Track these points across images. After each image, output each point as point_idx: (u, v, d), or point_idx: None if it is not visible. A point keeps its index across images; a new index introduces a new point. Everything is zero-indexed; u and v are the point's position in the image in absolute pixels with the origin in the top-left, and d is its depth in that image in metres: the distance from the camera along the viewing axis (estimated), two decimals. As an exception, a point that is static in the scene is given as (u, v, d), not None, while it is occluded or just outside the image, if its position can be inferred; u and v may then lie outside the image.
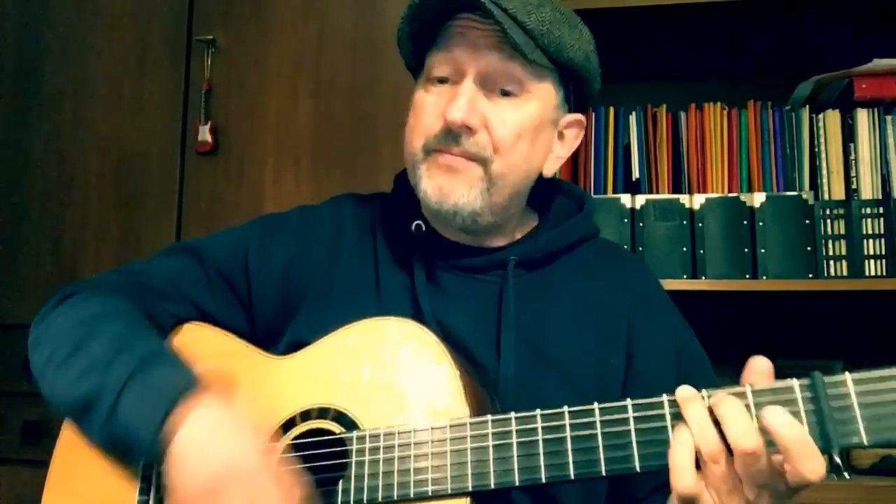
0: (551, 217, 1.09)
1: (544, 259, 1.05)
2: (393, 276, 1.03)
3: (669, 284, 1.56)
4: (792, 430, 0.69)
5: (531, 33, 0.94)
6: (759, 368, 0.75)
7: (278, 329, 1.03)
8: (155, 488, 0.92)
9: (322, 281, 1.04)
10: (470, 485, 0.80)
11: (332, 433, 0.87)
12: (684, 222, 1.62)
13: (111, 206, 1.83)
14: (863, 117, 1.62)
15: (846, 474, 0.70)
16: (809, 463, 0.68)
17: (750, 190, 1.65)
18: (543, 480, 0.78)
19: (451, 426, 0.82)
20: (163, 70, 1.85)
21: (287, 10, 1.82)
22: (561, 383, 0.97)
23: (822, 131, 1.64)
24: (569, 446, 0.78)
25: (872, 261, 1.58)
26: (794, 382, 0.73)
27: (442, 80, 0.99)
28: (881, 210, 1.58)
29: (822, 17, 1.67)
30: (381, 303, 1.01)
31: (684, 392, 0.75)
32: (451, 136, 0.96)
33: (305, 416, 0.90)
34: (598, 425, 0.78)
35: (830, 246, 1.59)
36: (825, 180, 1.63)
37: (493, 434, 0.81)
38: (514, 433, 0.80)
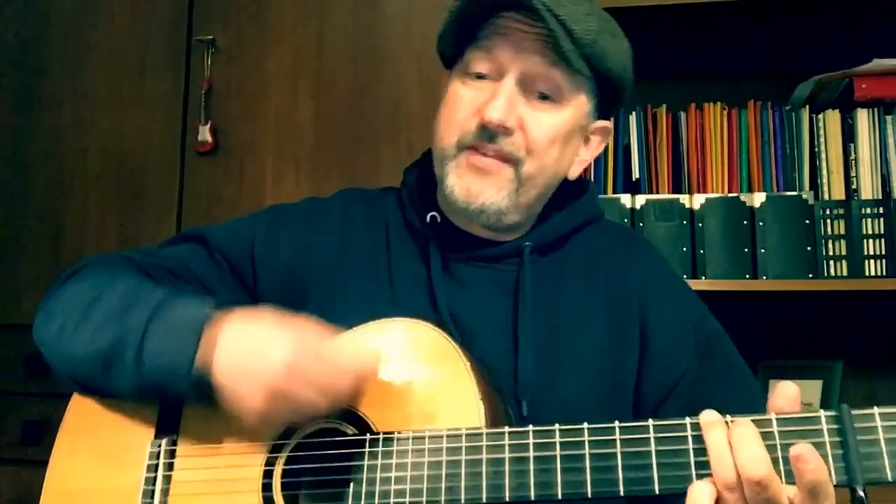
0: (557, 200, 1.08)
1: (556, 242, 1.05)
2: (406, 267, 1.03)
3: (669, 284, 1.57)
4: (818, 474, 0.67)
5: (578, 41, 0.94)
6: (785, 393, 0.74)
7: None
8: (163, 478, 0.91)
9: (330, 272, 1.03)
10: (485, 496, 0.78)
11: (345, 434, 0.86)
12: (684, 222, 1.62)
13: (111, 206, 1.83)
14: (863, 117, 1.62)
15: None
16: (826, 503, 0.68)
17: (750, 190, 1.65)
18: (560, 496, 0.76)
19: (466, 435, 0.80)
20: (163, 70, 1.85)
21: (287, 10, 1.82)
22: (576, 368, 0.97)
23: (822, 131, 1.64)
24: (587, 464, 0.76)
25: (872, 261, 1.58)
26: (821, 413, 0.71)
27: (480, 76, 0.99)
28: (881, 210, 1.58)
29: (822, 17, 1.67)
30: (394, 294, 1.01)
31: (707, 416, 0.74)
32: (487, 134, 0.95)
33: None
34: (619, 444, 0.76)
35: (830, 246, 1.59)
36: (825, 180, 1.63)
37: (510, 446, 0.79)
38: (531, 446, 0.78)
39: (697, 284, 1.59)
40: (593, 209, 1.09)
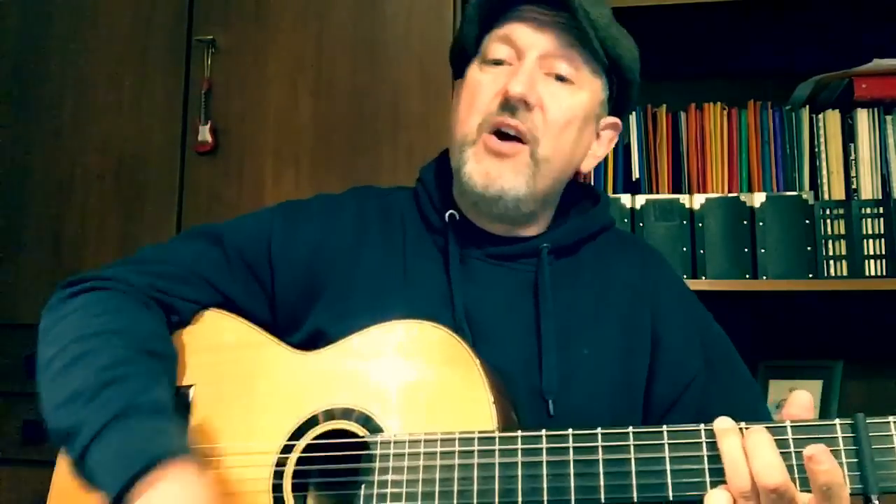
0: (571, 207, 1.11)
1: (572, 246, 1.06)
2: (421, 265, 1.03)
3: (669, 284, 1.57)
4: (832, 475, 0.67)
5: (594, 24, 0.97)
6: (799, 401, 0.74)
7: (299, 316, 1.02)
8: None
9: (345, 269, 1.03)
10: (497, 500, 0.77)
11: (356, 435, 0.86)
12: (684, 222, 1.62)
13: (111, 206, 1.83)
14: (863, 117, 1.62)
15: None
16: None
17: (750, 190, 1.65)
18: (573, 502, 0.76)
19: (478, 438, 0.80)
20: (163, 70, 1.85)
21: (287, 10, 1.82)
22: (591, 368, 0.97)
23: (822, 131, 1.64)
24: (601, 469, 0.76)
25: (872, 261, 1.58)
26: (836, 422, 0.71)
27: (497, 63, 1.01)
28: (881, 210, 1.58)
29: (822, 17, 1.67)
30: (409, 292, 1.00)
31: (722, 424, 0.74)
32: (509, 107, 0.97)
33: (329, 415, 0.88)
34: (632, 450, 0.76)
35: (830, 246, 1.59)
36: (825, 180, 1.63)
37: (523, 450, 0.78)
38: (544, 451, 0.78)
39: (697, 284, 1.59)
40: (606, 218, 1.11)
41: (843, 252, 1.58)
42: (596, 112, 1.04)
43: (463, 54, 1.07)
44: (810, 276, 1.58)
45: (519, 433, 0.79)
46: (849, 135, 1.63)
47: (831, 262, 1.59)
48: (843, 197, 1.61)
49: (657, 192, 1.68)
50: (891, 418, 0.70)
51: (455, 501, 0.78)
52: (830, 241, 1.59)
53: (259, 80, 1.81)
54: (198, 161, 1.81)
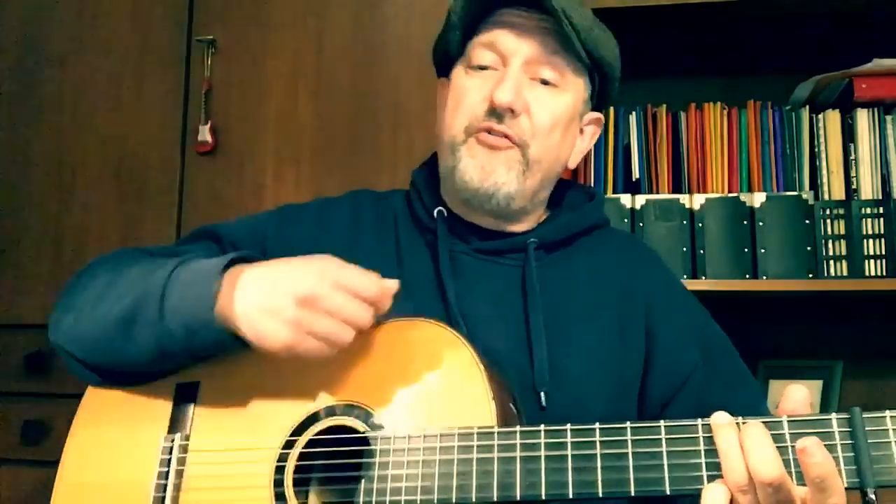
0: (566, 203, 1.13)
1: (562, 242, 1.07)
2: (414, 262, 1.05)
3: (669, 284, 1.57)
4: (825, 468, 0.68)
5: (576, 28, 0.99)
6: (796, 397, 0.74)
7: None
8: (176, 473, 0.91)
9: None
10: (495, 495, 0.78)
11: (357, 431, 0.87)
12: (684, 222, 1.62)
13: (111, 206, 1.83)
14: (863, 117, 1.62)
15: None
16: (832, 498, 0.68)
17: (750, 190, 1.65)
18: (570, 496, 0.76)
19: (478, 433, 0.81)
20: (163, 70, 1.85)
21: (287, 10, 1.82)
22: (584, 362, 0.98)
23: (822, 131, 1.64)
24: (598, 463, 0.76)
25: (872, 261, 1.58)
26: (833, 416, 0.72)
27: (482, 68, 1.03)
28: (881, 210, 1.58)
29: (822, 17, 1.67)
30: (405, 293, 0.99)
31: (718, 418, 0.74)
32: (495, 114, 0.99)
33: (330, 411, 0.89)
34: (630, 444, 0.76)
35: (830, 246, 1.59)
36: (825, 180, 1.63)
37: (522, 445, 0.79)
38: (542, 446, 0.78)
39: (697, 284, 1.59)
40: (601, 215, 1.13)
41: (843, 252, 1.58)
42: (580, 110, 1.07)
43: (446, 56, 1.09)
44: (810, 276, 1.58)
45: (518, 428, 0.80)
46: (849, 135, 1.63)
47: (831, 262, 1.59)
48: (843, 197, 1.61)
49: (657, 192, 1.68)
50: (887, 413, 0.70)
51: (454, 496, 0.79)
52: (830, 241, 1.59)
53: (259, 80, 1.81)
54: (198, 161, 1.81)
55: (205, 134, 1.79)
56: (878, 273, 1.57)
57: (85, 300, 0.95)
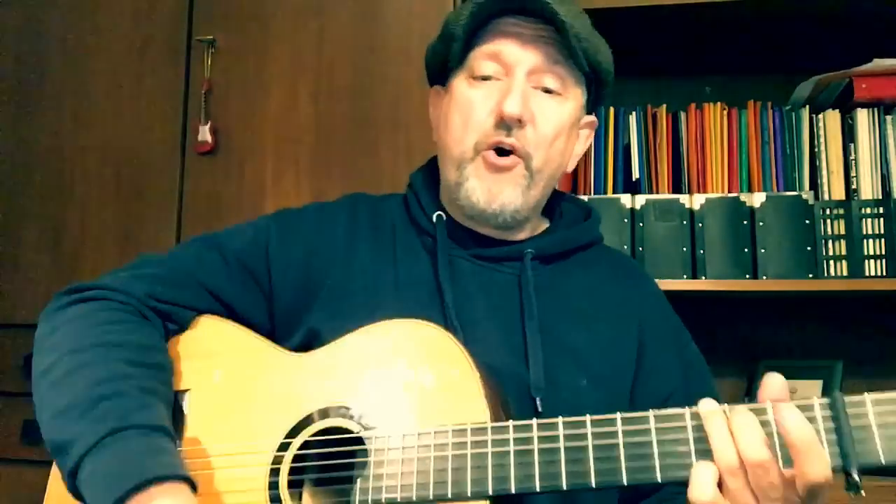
0: (565, 219, 1.14)
1: (559, 255, 1.08)
2: (411, 266, 1.05)
3: (669, 284, 1.57)
4: (802, 431, 0.69)
5: (578, 37, 1.00)
6: (773, 384, 0.76)
7: (295, 320, 1.03)
8: None
9: (339, 273, 1.04)
10: (490, 489, 0.79)
11: (351, 432, 0.87)
12: (684, 222, 1.62)
13: (111, 206, 1.83)
14: (863, 117, 1.62)
15: (863, 493, 0.70)
16: (817, 465, 0.69)
17: (750, 190, 1.65)
18: (564, 487, 0.77)
19: (471, 430, 0.81)
20: (163, 70, 1.85)
21: (287, 10, 1.82)
22: (580, 370, 0.99)
23: (822, 131, 1.64)
24: (590, 455, 0.77)
25: (872, 261, 1.58)
26: (815, 401, 0.73)
27: (485, 78, 1.03)
28: (881, 210, 1.58)
29: (822, 18, 1.67)
30: (399, 293, 1.02)
31: (708, 406, 0.75)
32: (503, 126, 1.00)
33: (324, 413, 0.89)
34: (621, 435, 0.77)
35: (830, 246, 1.59)
36: (825, 180, 1.63)
37: (515, 440, 0.80)
38: (535, 440, 0.79)
39: (697, 284, 1.59)
40: (597, 233, 1.14)
41: (843, 252, 1.58)
42: (578, 116, 1.08)
43: (442, 65, 1.09)
44: (810, 276, 1.58)
45: (510, 423, 0.81)
46: (849, 135, 1.63)
47: (831, 262, 1.59)
48: (843, 197, 1.61)
49: (657, 192, 1.68)
50: (867, 396, 0.72)
51: (449, 492, 0.80)
52: (830, 241, 1.59)
53: (259, 81, 1.81)
54: (198, 161, 1.81)
55: (205, 134, 1.79)
56: (878, 273, 1.57)
57: (54, 364, 0.90)
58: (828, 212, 1.60)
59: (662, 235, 1.62)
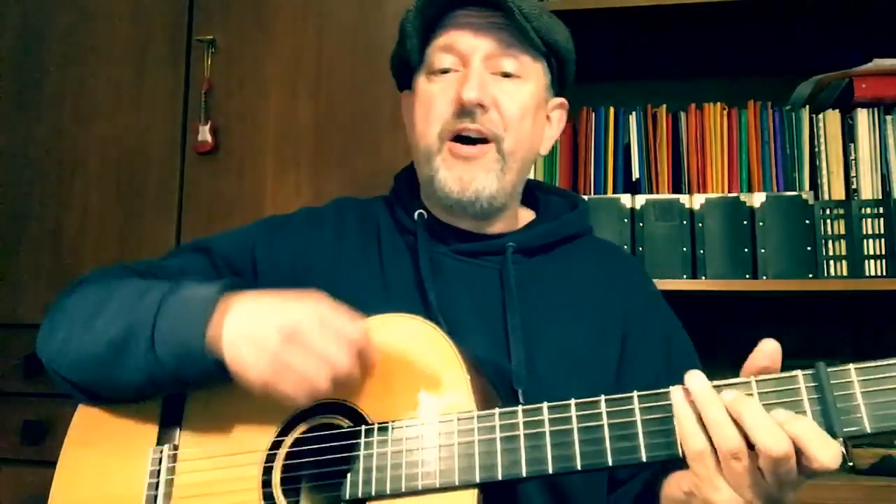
0: (549, 212, 1.15)
1: (542, 248, 1.09)
2: (396, 265, 1.06)
3: (669, 284, 1.57)
4: (778, 445, 0.69)
5: (528, 17, 1.02)
6: (766, 350, 0.77)
7: None
8: (166, 482, 0.92)
9: (327, 275, 1.06)
10: (478, 476, 0.80)
11: (342, 427, 0.88)
12: (684, 222, 1.62)
13: (111, 206, 1.83)
14: (863, 117, 1.62)
15: (850, 463, 0.71)
16: (825, 451, 0.69)
17: (750, 190, 1.65)
18: (551, 472, 0.79)
19: (458, 419, 0.83)
20: (163, 70, 1.85)
21: (287, 10, 1.82)
22: (563, 364, 0.99)
23: (822, 131, 1.64)
24: (576, 438, 0.79)
25: (872, 261, 1.58)
26: (798, 373, 0.75)
27: (444, 71, 1.05)
28: (881, 210, 1.58)
29: (822, 17, 1.67)
30: (386, 293, 1.04)
31: (698, 387, 0.75)
32: (466, 113, 1.01)
33: (314, 410, 0.90)
34: (605, 417, 0.78)
35: (830, 246, 1.59)
36: (825, 180, 1.63)
37: (501, 427, 0.81)
38: (521, 425, 0.81)
39: (697, 284, 1.59)
40: (583, 224, 1.15)
41: (843, 252, 1.58)
42: (543, 97, 1.10)
43: (405, 67, 1.12)
44: (810, 276, 1.58)
45: (496, 410, 0.82)
46: (849, 135, 1.63)
47: (831, 262, 1.59)
48: (843, 197, 1.61)
49: (657, 192, 1.68)
50: (851, 365, 0.73)
51: (437, 480, 0.81)
52: (830, 241, 1.59)
53: (259, 80, 1.81)
54: (198, 161, 1.81)
55: (205, 134, 1.79)
56: (878, 273, 1.57)
57: (74, 320, 0.95)
58: (828, 212, 1.60)
59: (662, 235, 1.62)
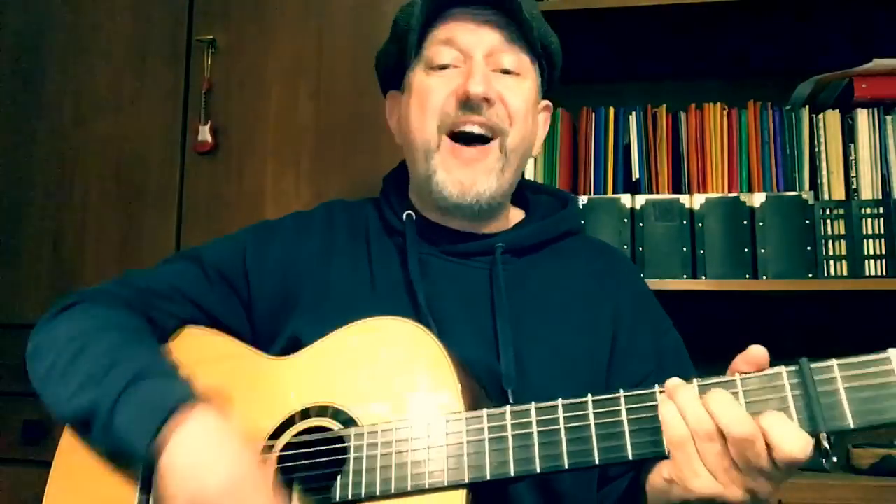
0: (538, 211, 1.15)
1: (532, 247, 1.09)
2: (385, 267, 1.06)
3: (669, 284, 1.57)
4: (742, 426, 0.71)
5: (531, 16, 1.03)
6: (752, 359, 0.77)
7: (276, 327, 1.05)
8: (155, 489, 0.92)
9: (317, 279, 1.06)
10: (466, 477, 0.81)
11: (331, 430, 0.88)
12: (684, 222, 1.62)
13: (111, 206, 1.83)
14: (863, 117, 1.62)
15: (834, 458, 0.72)
16: (791, 438, 0.70)
17: (750, 190, 1.65)
18: (538, 471, 0.79)
19: (447, 421, 0.83)
20: (163, 70, 1.85)
21: (287, 10, 1.82)
22: (553, 364, 0.99)
23: (822, 131, 1.64)
24: (563, 437, 0.79)
25: (872, 261, 1.58)
26: (783, 369, 0.75)
27: (443, 67, 1.05)
28: (881, 210, 1.58)
29: (822, 17, 1.67)
30: (377, 297, 1.03)
31: (674, 382, 0.76)
32: (470, 107, 1.01)
33: (305, 414, 0.90)
34: (592, 416, 0.79)
35: (830, 246, 1.59)
36: (825, 180, 1.63)
37: (489, 428, 0.82)
38: (509, 426, 0.81)
39: (697, 284, 1.59)
40: (574, 222, 1.15)
41: (843, 252, 1.59)
42: (537, 97, 1.11)
43: (394, 68, 1.12)
44: (810, 276, 1.58)
45: (484, 411, 0.83)
46: (849, 135, 1.63)
47: (831, 262, 1.59)
48: (843, 197, 1.61)
49: (657, 192, 1.68)
50: (833, 361, 0.74)
51: (427, 481, 0.81)
52: (830, 241, 1.59)
53: (259, 80, 1.81)
54: (198, 161, 1.81)
55: (205, 134, 1.79)
56: (878, 273, 1.57)
57: (57, 357, 0.94)
58: (828, 212, 1.60)
59: (662, 235, 1.62)
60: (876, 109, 1.62)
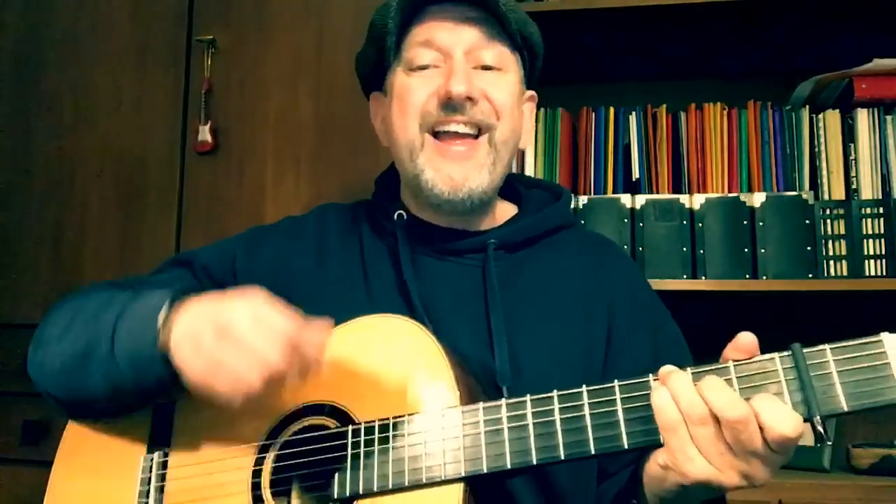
0: (530, 206, 1.15)
1: (524, 242, 1.09)
2: (379, 268, 1.06)
3: (669, 284, 1.57)
4: (735, 409, 0.71)
5: (508, 8, 1.03)
6: (741, 346, 0.77)
7: None
8: (156, 490, 0.92)
9: (310, 281, 1.06)
10: (463, 470, 0.81)
11: (328, 428, 0.88)
12: (684, 222, 1.62)
13: (111, 206, 1.83)
14: (863, 117, 1.62)
15: (829, 442, 0.72)
16: (782, 418, 0.70)
17: (750, 190, 1.65)
18: (535, 463, 0.79)
19: (443, 415, 0.83)
20: (163, 70, 1.85)
21: (287, 10, 1.82)
22: (547, 358, 0.99)
23: (822, 131, 1.64)
24: (558, 428, 0.79)
25: (872, 261, 1.58)
26: (776, 356, 0.75)
27: (423, 68, 1.04)
28: (881, 210, 1.58)
29: (822, 17, 1.67)
30: (370, 296, 1.04)
31: (667, 368, 0.77)
32: (453, 108, 1.01)
33: (302, 412, 0.91)
34: (587, 407, 0.79)
35: (830, 246, 1.59)
36: (825, 180, 1.63)
37: (485, 421, 0.82)
38: (504, 419, 0.81)
39: (697, 284, 1.59)
40: (566, 216, 1.14)
41: (843, 252, 1.59)
42: (521, 89, 1.10)
43: (373, 70, 1.12)
44: (810, 276, 1.58)
45: (480, 405, 0.83)
46: (849, 135, 1.63)
47: (831, 262, 1.59)
48: (843, 197, 1.61)
49: (657, 192, 1.68)
50: (826, 346, 0.74)
51: (424, 476, 0.82)
52: (830, 241, 1.59)
53: (259, 80, 1.81)
54: (198, 161, 1.81)
55: (205, 134, 1.79)
56: (878, 273, 1.57)
57: (49, 337, 0.97)
58: (828, 212, 1.60)
59: (662, 235, 1.62)
60: (876, 109, 1.62)
